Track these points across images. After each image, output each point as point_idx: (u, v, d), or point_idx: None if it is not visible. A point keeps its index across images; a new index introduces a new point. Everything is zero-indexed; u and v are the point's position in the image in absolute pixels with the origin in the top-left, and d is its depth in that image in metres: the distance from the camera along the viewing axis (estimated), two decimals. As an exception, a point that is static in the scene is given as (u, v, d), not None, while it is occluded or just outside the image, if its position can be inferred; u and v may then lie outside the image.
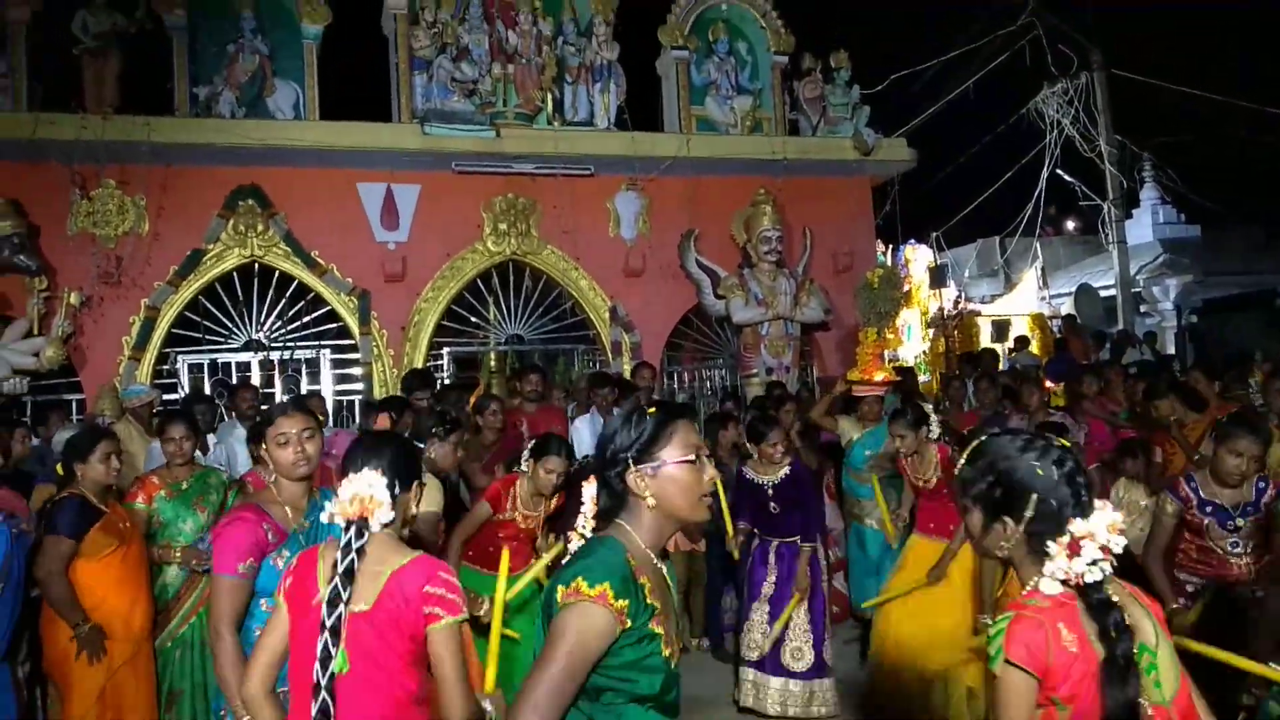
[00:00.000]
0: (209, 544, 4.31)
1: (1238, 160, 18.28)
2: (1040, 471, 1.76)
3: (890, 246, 13.85)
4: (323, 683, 2.06)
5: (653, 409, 1.91)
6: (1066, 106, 14.88)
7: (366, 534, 2.18)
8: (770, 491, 4.98)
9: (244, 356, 8.82)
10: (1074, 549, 1.68)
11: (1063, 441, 1.85)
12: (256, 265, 8.77)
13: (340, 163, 8.82)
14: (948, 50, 13.28)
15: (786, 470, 4.98)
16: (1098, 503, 1.73)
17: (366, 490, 2.20)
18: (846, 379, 6.91)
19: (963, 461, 1.88)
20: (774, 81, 10.53)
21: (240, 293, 8.83)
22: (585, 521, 1.92)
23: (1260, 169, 19.51)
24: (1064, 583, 1.69)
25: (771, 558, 4.96)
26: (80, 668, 3.69)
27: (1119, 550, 1.69)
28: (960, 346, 13.21)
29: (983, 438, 1.89)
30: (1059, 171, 14.97)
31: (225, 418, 7.27)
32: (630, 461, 1.83)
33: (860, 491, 6.33)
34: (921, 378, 11.48)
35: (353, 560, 2.13)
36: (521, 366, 8.02)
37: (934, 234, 15.28)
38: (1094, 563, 1.67)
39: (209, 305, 8.74)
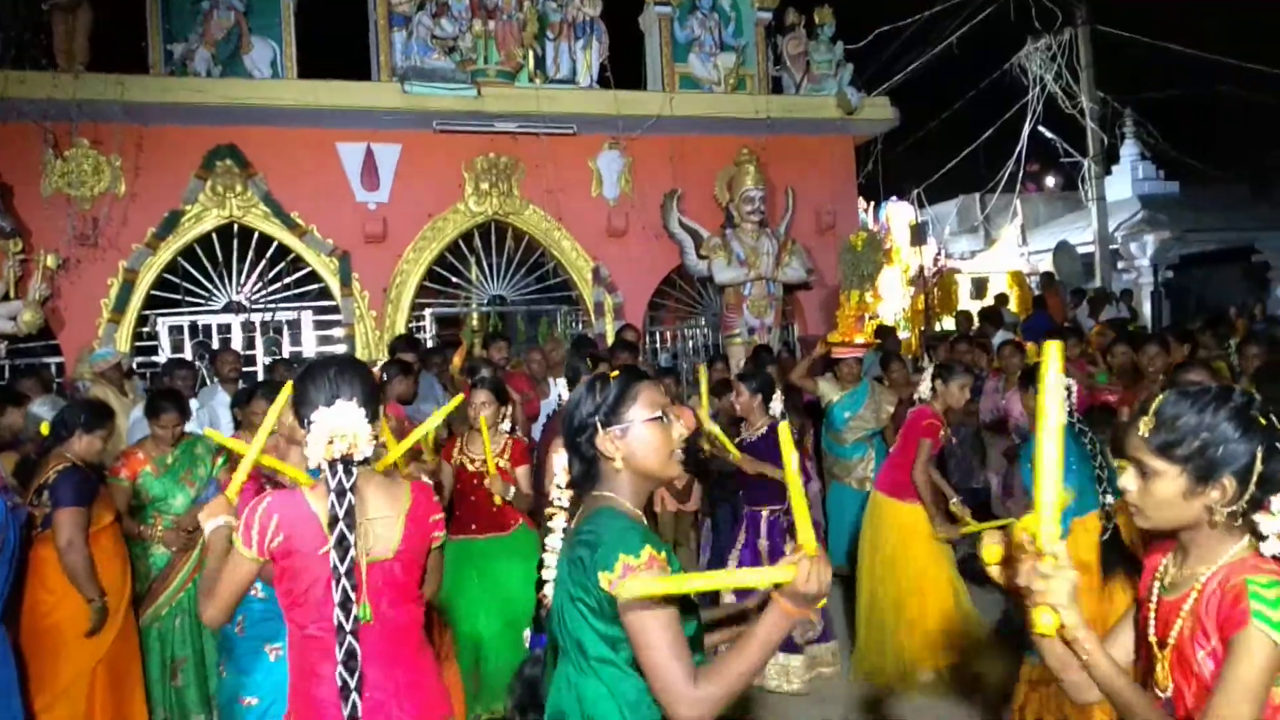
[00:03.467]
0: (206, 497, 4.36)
1: (1218, 116, 18.36)
2: (1253, 430, 1.60)
3: (872, 204, 13.85)
4: (346, 626, 2.04)
5: (615, 373, 1.92)
6: (1049, 62, 14.84)
7: (355, 471, 2.11)
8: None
9: (225, 318, 8.78)
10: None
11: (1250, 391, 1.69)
12: (235, 226, 8.69)
13: (319, 122, 8.72)
14: (931, 6, 13.18)
15: (764, 430, 4.93)
16: None
17: (348, 426, 2.10)
18: (827, 341, 6.97)
19: (1149, 420, 1.67)
20: (758, 38, 10.44)
21: (220, 254, 8.75)
22: (560, 493, 1.97)
23: (1240, 125, 19.61)
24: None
25: (763, 526, 4.91)
26: (75, 640, 3.70)
27: None
28: (940, 304, 13.31)
29: (1165, 394, 1.69)
30: (1040, 128, 14.97)
31: (207, 381, 7.27)
32: (598, 425, 1.85)
33: (839, 450, 6.45)
34: (901, 334, 11.57)
35: (351, 503, 2.07)
36: (489, 334, 7.98)
37: (915, 191, 15.28)
38: None
39: (188, 267, 8.67)
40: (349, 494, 2.07)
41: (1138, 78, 15.96)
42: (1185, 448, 1.62)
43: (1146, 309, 14.50)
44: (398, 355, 6.39)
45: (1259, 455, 1.59)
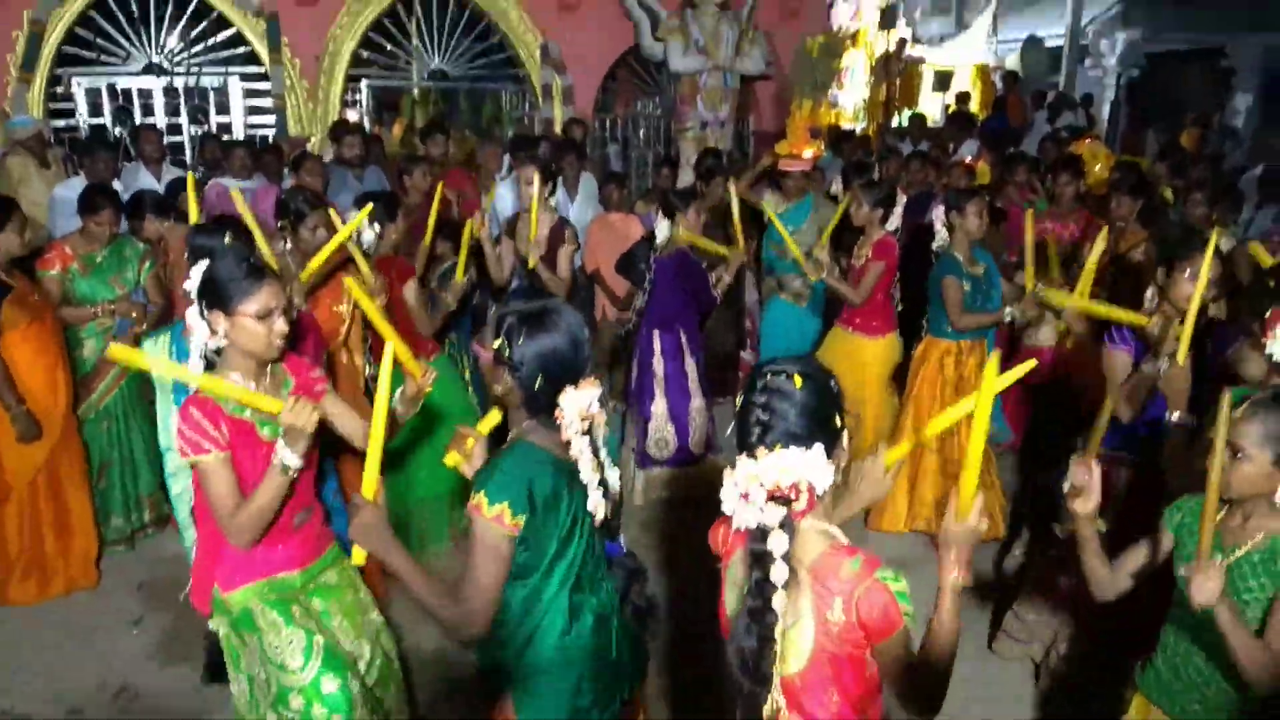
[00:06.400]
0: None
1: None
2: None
3: (843, -18, 13.02)
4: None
5: None
6: None
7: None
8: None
9: (144, 81, 8.21)
10: None
11: None
12: (150, -23, 7.96)
13: None
14: None
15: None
16: None
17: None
18: (774, 152, 6.79)
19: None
20: None
21: (135, 8, 8.04)
22: None
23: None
24: None
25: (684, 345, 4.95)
26: (11, 448, 3.68)
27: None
28: (901, 97, 12.93)
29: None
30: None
31: (130, 156, 6.87)
32: None
33: (779, 266, 6.46)
34: (857, 125, 11.29)
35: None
36: (427, 125, 7.47)
37: (890, -32, 14.36)
38: None
39: (101, 21, 7.98)
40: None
41: None
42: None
43: (1105, 113, 14.30)
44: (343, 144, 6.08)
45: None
